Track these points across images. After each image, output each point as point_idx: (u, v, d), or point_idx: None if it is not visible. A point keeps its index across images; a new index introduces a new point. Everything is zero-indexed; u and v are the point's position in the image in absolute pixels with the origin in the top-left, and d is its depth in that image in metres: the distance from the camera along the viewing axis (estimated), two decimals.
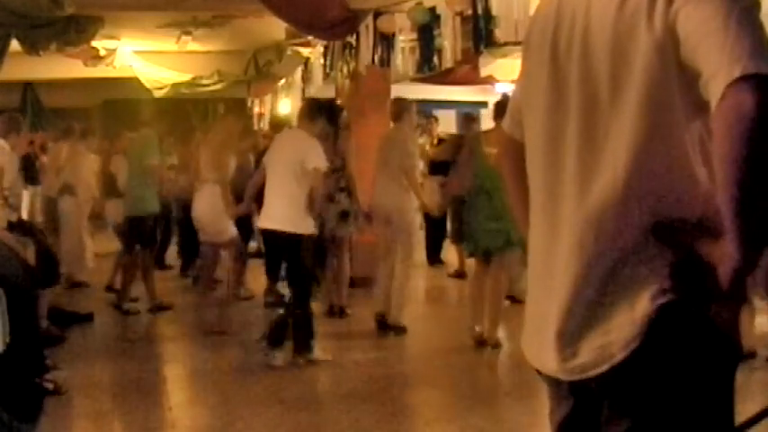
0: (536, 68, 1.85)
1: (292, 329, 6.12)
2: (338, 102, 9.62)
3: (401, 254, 7.22)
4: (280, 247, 6.17)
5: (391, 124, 7.76)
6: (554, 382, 1.83)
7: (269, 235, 6.24)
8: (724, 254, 1.51)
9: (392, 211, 7.13)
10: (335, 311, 7.75)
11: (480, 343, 6.55)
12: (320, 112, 6.44)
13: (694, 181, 1.61)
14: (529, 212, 1.90)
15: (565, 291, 1.71)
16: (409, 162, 7.13)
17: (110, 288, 8.92)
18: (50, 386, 5.14)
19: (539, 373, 1.86)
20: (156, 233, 8.68)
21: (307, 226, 6.03)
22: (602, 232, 1.67)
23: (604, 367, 1.66)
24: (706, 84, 1.51)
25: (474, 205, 6.58)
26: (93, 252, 9.99)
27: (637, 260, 1.63)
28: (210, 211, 7.29)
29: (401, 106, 7.44)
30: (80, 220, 9.63)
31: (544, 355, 1.78)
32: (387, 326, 7.14)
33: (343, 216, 7.65)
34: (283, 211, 6.00)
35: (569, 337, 1.71)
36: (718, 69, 1.47)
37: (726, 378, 1.68)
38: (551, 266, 1.77)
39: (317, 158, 6.01)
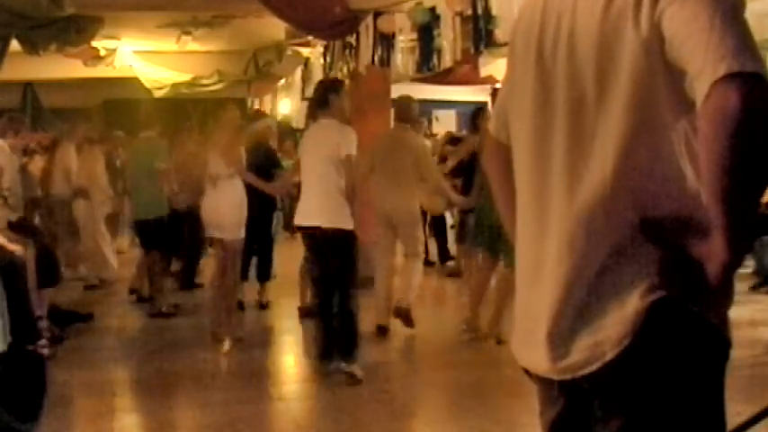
0: (522, 70, 1.85)
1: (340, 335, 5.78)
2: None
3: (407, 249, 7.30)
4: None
5: (393, 123, 7.69)
6: (544, 383, 1.83)
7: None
8: (712, 250, 1.52)
9: (392, 212, 7.12)
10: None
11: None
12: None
13: (682, 179, 1.62)
14: (516, 214, 1.90)
15: (555, 290, 1.71)
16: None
17: (133, 291, 8.80)
18: (46, 352, 5.11)
19: (528, 373, 1.87)
20: (167, 236, 8.25)
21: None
22: (591, 231, 1.67)
23: (596, 366, 1.66)
24: (691, 83, 1.52)
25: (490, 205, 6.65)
26: (113, 250, 10.09)
27: (626, 258, 1.64)
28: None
29: (404, 107, 7.35)
30: (97, 221, 9.70)
31: (535, 355, 1.78)
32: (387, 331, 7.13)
33: None
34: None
35: (560, 337, 1.71)
36: (703, 68, 1.47)
37: (716, 373, 1.69)
38: (540, 267, 1.77)
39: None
